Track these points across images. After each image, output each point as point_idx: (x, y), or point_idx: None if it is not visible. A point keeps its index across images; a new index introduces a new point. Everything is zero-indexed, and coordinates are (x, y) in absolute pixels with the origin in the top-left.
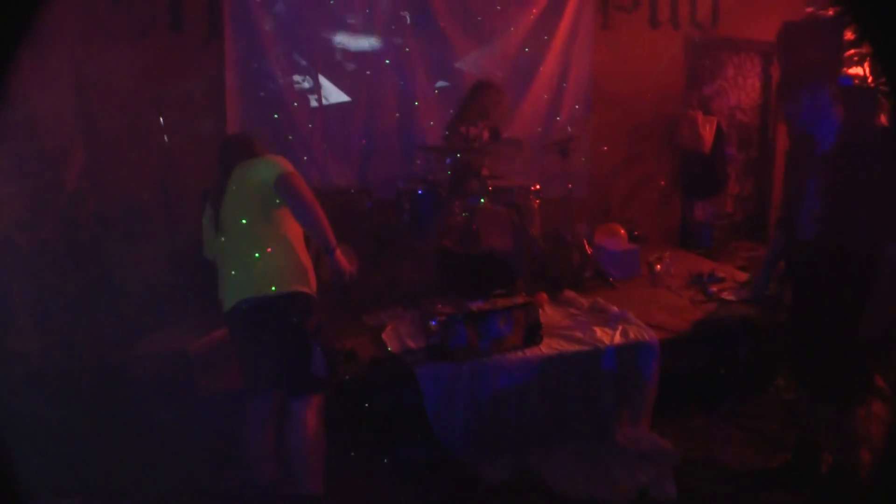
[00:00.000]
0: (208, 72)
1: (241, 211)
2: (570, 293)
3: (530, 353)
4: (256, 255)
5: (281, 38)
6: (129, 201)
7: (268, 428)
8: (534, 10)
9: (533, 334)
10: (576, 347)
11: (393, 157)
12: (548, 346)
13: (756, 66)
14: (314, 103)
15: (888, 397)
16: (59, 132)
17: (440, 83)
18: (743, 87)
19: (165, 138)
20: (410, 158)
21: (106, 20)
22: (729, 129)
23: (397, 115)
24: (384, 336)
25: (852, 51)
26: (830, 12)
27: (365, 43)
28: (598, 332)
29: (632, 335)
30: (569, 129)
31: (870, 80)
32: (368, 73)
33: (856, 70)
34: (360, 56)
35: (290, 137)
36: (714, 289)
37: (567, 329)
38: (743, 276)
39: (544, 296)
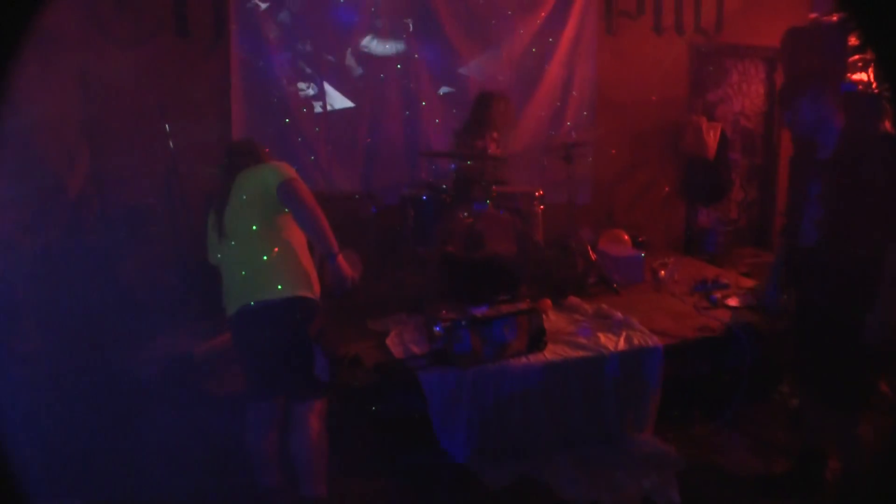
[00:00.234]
0: (213, 77)
1: (245, 217)
2: (574, 299)
3: (534, 359)
4: (259, 260)
5: (286, 44)
6: (133, 205)
7: (271, 432)
8: (538, 16)
9: (537, 340)
10: (580, 353)
11: (397, 162)
12: (552, 352)
13: (760, 72)
14: (319, 109)
15: (892, 403)
16: (65, 136)
17: (445, 89)
18: (747, 94)
19: (170, 143)
20: (415, 164)
21: (111, 24)
22: (733, 136)
23: (402, 120)
24: (388, 342)
25: (856, 56)
26: (834, 18)
27: (369, 49)
28: (602, 338)
29: (636, 341)
30: (573, 134)
31: (874, 85)
32: (373, 78)
33: (860, 76)
34: (364, 62)
35: (296, 142)
36: (718, 295)
37: (571, 335)
38: (747, 282)
39: (548, 302)
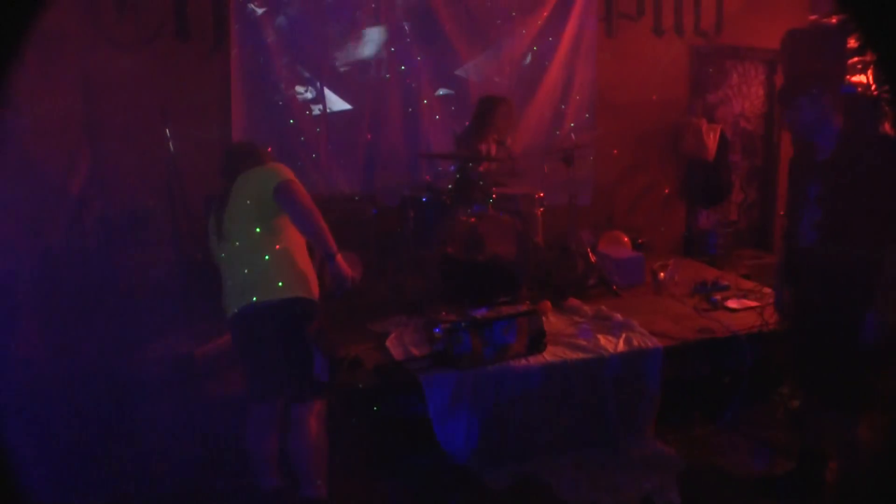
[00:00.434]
0: (214, 79)
1: (243, 218)
2: (574, 301)
3: (534, 360)
4: (257, 261)
5: (286, 47)
6: (134, 207)
7: (270, 434)
8: (538, 18)
9: (537, 342)
10: (579, 355)
11: (398, 164)
12: (552, 354)
13: (760, 73)
14: (319, 111)
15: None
16: (66, 138)
17: (445, 90)
18: (747, 95)
19: (171, 145)
20: (415, 166)
21: (112, 27)
22: (733, 137)
23: (402, 122)
24: (388, 343)
25: (856, 59)
26: (834, 20)
27: (369, 51)
28: (602, 339)
29: (636, 343)
30: (573, 136)
31: (873, 88)
32: (373, 80)
33: (859, 78)
34: (364, 64)
35: (297, 144)
36: (718, 297)
37: (571, 337)
38: (747, 284)
39: (548, 304)
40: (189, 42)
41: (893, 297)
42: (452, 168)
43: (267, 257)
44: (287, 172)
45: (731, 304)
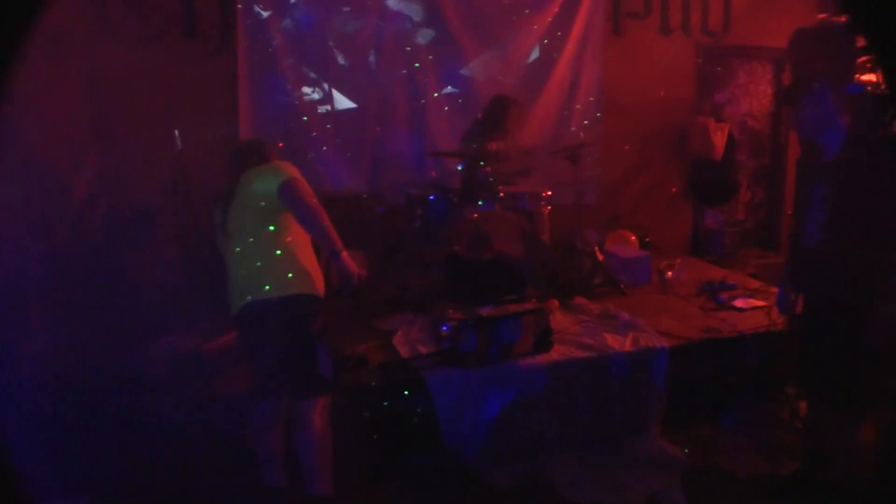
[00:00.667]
0: (221, 77)
1: (248, 216)
2: (580, 299)
3: (540, 359)
4: (261, 259)
5: (292, 47)
6: (141, 205)
7: (276, 431)
8: (546, 17)
9: (543, 340)
10: (586, 354)
11: (404, 163)
12: (558, 353)
13: (768, 73)
14: (325, 110)
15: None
16: (72, 136)
17: (451, 90)
18: (755, 95)
19: (178, 143)
20: (422, 165)
21: (119, 24)
22: (740, 137)
23: (409, 121)
24: (395, 341)
25: (864, 57)
26: (842, 19)
27: (376, 51)
28: (609, 338)
29: (642, 342)
30: (580, 135)
31: (882, 86)
32: (380, 79)
33: (868, 77)
34: (371, 63)
35: (304, 143)
36: (724, 296)
37: (577, 335)
38: (754, 284)
39: (555, 302)
40: (196, 40)
41: None
42: (459, 166)
43: (271, 254)
44: (292, 170)
45: (738, 303)
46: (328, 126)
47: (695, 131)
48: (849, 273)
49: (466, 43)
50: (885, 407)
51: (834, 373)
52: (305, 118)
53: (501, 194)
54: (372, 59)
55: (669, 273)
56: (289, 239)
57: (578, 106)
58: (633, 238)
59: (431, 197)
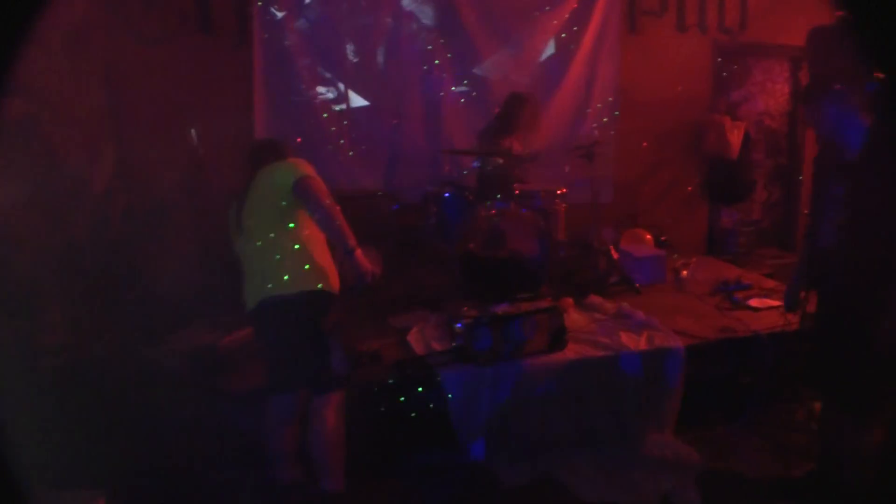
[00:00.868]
0: (238, 73)
1: (262, 212)
2: (595, 298)
3: (555, 357)
4: (275, 255)
5: (308, 47)
6: (158, 200)
7: (290, 426)
8: (562, 15)
9: (557, 339)
10: (600, 352)
11: (420, 160)
12: (572, 351)
13: (785, 71)
14: (341, 108)
15: None
16: (90, 131)
17: (467, 88)
18: (771, 93)
19: (195, 138)
20: (437, 162)
21: (136, 21)
22: (757, 135)
23: (424, 119)
24: (410, 338)
25: None
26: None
27: (391, 49)
28: (624, 337)
29: (657, 341)
30: (595, 133)
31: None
32: (395, 78)
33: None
34: (386, 62)
35: (319, 140)
36: (740, 296)
37: (592, 334)
38: (769, 283)
39: (569, 300)
40: (213, 37)
41: None
42: (475, 164)
43: (285, 251)
44: (307, 168)
45: (753, 303)
46: (343, 124)
47: (711, 130)
48: (865, 274)
49: (481, 41)
50: None
51: (846, 374)
52: (321, 116)
53: (517, 192)
54: (387, 57)
55: (685, 272)
56: (303, 236)
57: (594, 104)
58: (649, 237)
59: (446, 195)
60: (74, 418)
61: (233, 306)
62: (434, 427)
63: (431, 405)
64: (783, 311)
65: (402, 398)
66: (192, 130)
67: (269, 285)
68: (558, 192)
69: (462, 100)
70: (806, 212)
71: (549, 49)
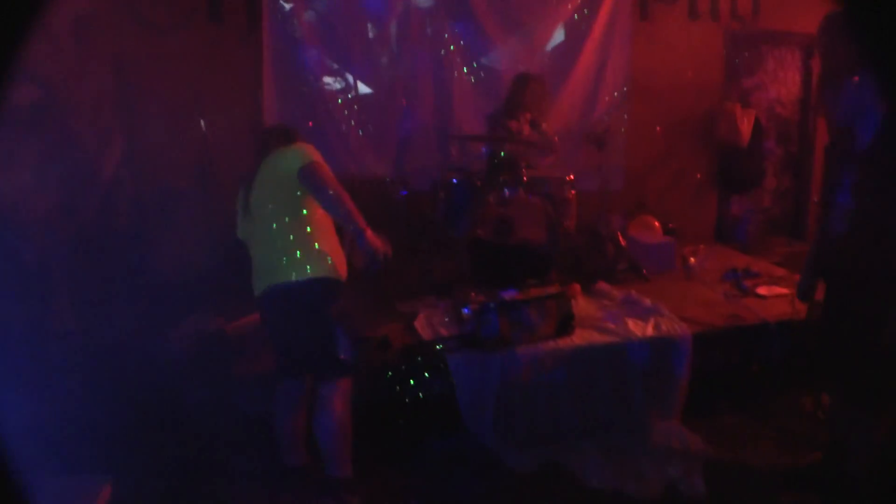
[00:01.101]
0: (246, 62)
1: (269, 198)
2: (603, 285)
3: (562, 343)
4: (282, 241)
5: (317, 34)
6: (167, 187)
7: (298, 412)
8: (572, 2)
9: (565, 325)
10: (608, 339)
11: (429, 147)
12: (580, 337)
13: (797, 59)
14: (351, 95)
15: None
16: (99, 120)
17: (476, 74)
18: (783, 81)
19: (203, 127)
20: (446, 149)
21: (146, 10)
22: (768, 123)
23: (433, 105)
24: (417, 324)
25: None
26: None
27: (401, 35)
28: (631, 324)
29: (664, 328)
30: (605, 120)
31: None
32: (404, 64)
33: None
34: (396, 48)
35: (328, 128)
36: (748, 284)
37: (599, 321)
38: (779, 272)
39: (577, 287)
40: (222, 25)
41: None
42: (484, 150)
43: (291, 237)
44: (313, 153)
45: (762, 291)
46: (353, 110)
47: (722, 118)
48: (875, 263)
49: (492, 28)
50: None
51: (853, 365)
52: (330, 103)
53: (525, 179)
54: (396, 44)
55: (693, 259)
56: (310, 222)
57: (605, 92)
58: (657, 224)
59: (455, 181)
60: (82, 404)
61: (240, 292)
62: (442, 413)
63: (440, 391)
64: (792, 299)
65: (409, 384)
66: (200, 117)
67: (276, 273)
68: (568, 178)
69: (472, 86)
70: (816, 200)
71: (560, 36)
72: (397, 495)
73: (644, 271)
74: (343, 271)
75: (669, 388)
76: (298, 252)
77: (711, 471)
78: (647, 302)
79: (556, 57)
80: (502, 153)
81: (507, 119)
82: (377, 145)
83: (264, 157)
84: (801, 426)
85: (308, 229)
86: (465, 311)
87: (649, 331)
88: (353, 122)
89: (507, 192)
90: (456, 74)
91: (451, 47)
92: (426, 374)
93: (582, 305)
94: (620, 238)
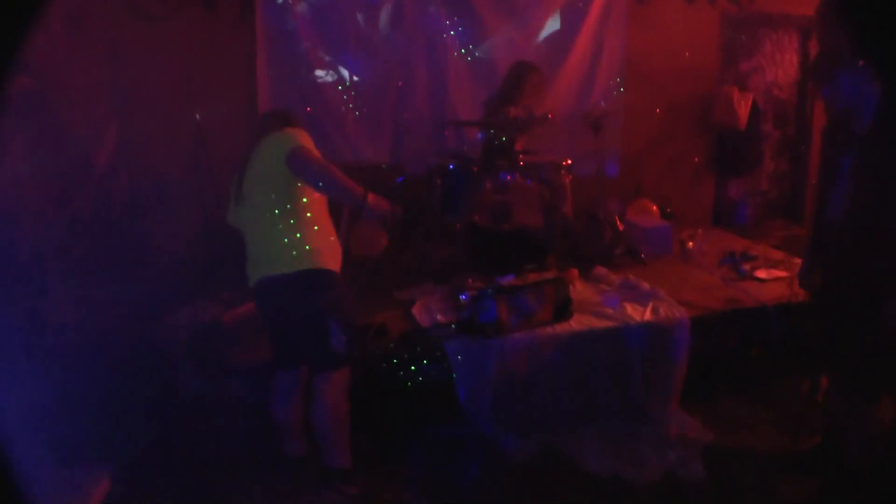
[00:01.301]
0: (240, 49)
1: (259, 185)
2: (601, 269)
3: (560, 328)
4: (272, 232)
5: (312, 19)
6: (161, 177)
7: (295, 401)
8: None
9: (563, 310)
10: (606, 324)
11: (425, 133)
12: (578, 322)
13: (794, 41)
14: (345, 81)
15: None
16: (93, 109)
17: (471, 60)
18: (780, 64)
19: (197, 115)
20: (442, 135)
21: None
22: (765, 106)
23: (428, 91)
24: (414, 311)
25: None
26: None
27: (396, 21)
28: (629, 308)
29: (662, 312)
30: (602, 104)
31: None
32: (400, 51)
33: None
34: (391, 34)
35: (324, 115)
36: (747, 267)
37: (597, 305)
38: (777, 255)
39: (575, 272)
40: (215, 12)
41: None
42: (480, 136)
43: (281, 227)
44: (300, 138)
45: (760, 274)
46: (349, 96)
47: (719, 101)
48: (873, 247)
49: (487, 13)
50: None
51: (851, 350)
52: (325, 90)
53: (522, 164)
54: (392, 29)
55: (691, 243)
56: (301, 211)
57: (601, 76)
58: (655, 208)
59: (451, 167)
60: (78, 396)
61: (237, 281)
62: (440, 400)
63: (438, 378)
64: (791, 282)
65: (407, 372)
66: (194, 105)
67: (267, 264)
68: (564, 163)
69: (467, 72)
70: (814, 183)
71: (555, 20)
72: (396, 483)
73: (642, 255)
74: (336, 261)
75: (668, 373)
76: (288, 243)
77: (710, 455)
78: (646, 286)
79: (552, 42)
80: (503, 138)
81: (505, 106)
82: (373, 132)
83: (258, 142)
84: (801, 410)
85: (299, 219)
86: (463, 297)
87: (647, 315)
88: (348, 109)
89: (503, 177)
90: (451, 60)
91: (447, 33)
92: (424, 362)
93: (580, 290)
94: (618, 222)
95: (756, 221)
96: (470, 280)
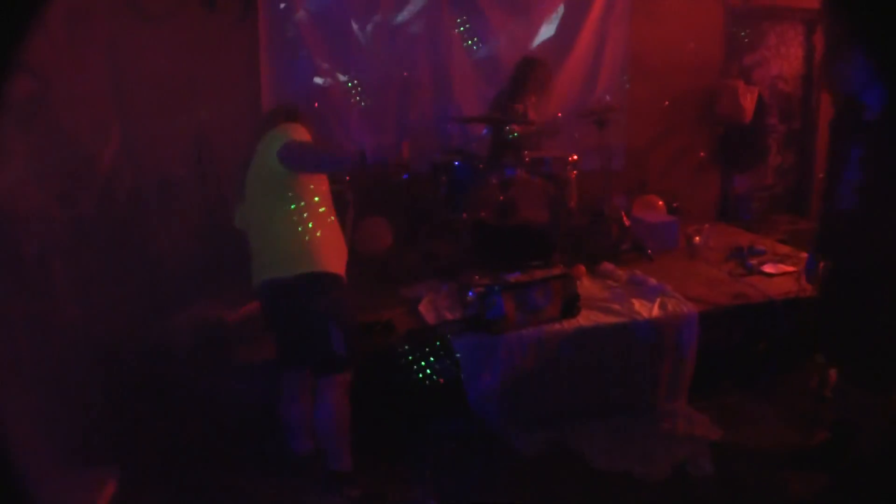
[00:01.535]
0: (242, 48)
1: (260, 185)
2: (607, 265)
3: (567, 324)
4: (274, 234)
5: (315, 17)
6: (165, 176)
7: (301, 401)
8: None
9: (570, 306)
10: (613, 319)
11: (429, 130)
12: (585, 318)
13: (799, 34)
14: (349, 79)
15: None
16: (96, 109)
17: (475, 55)
18: (785, 57)
19: (200, 115)
20: (447, 131)
21: None
22: (770, 100)
23: (433, 88)
24: (421, 308)
25: None
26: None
27: (400, 17)
28: (636, 304)
29: (670, 308)
30: (606, 99)
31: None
32: (404, 47)
33: None
34: (395, 30)
35: (328, 113)
36: (753, 262)
37: (605, 301)
38: (784, 249)
39: (582, 268)
40: (216, 12)
41: None
42: (485, 131)
43: (282, 229)
44: (293, 132)
45: (767, 268)
46: (353, 94)
47: (724, 95)
48: (882, 239)
49: (490, 8)
50: None
51: (860, 343)
52: (329, 87)
53: (527, 160)
54: (395, 27)
55: (697, 238)
56: (303, 212)
57: (605, 70)
58: (661, 203)
59: (456, 163)
60: (85, 396)
61: (241, 280)
62: (447, 397)
63: (445, 375)
64: (798, 276)
65: (414, 368)
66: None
67: (269, 267)
68: (569, 159)
69: (471, 68)
70: (821, 176)
71: (559, 15)
72: (403, 482)
73: (648, 251)
74: (340, 262)
75: (676, 368)
76: (289, 245)
77: (719, 451)
78: (653, 281)
79: (556, 36)
80: (511, 135)
81: (512, 102)
82: (377, 128)
83: (259, 141)
84: (809, 405)
85: (300, 219)
86: (470, 293)
87: (655, 311)
88: (352, 106)
89: (508, 173)
90: (455, 56)
91: (450, 29)
92: (431, 359)
93: (587, 286)
94: (624, 218)
95: (761, 216)
96: (476, 276)
